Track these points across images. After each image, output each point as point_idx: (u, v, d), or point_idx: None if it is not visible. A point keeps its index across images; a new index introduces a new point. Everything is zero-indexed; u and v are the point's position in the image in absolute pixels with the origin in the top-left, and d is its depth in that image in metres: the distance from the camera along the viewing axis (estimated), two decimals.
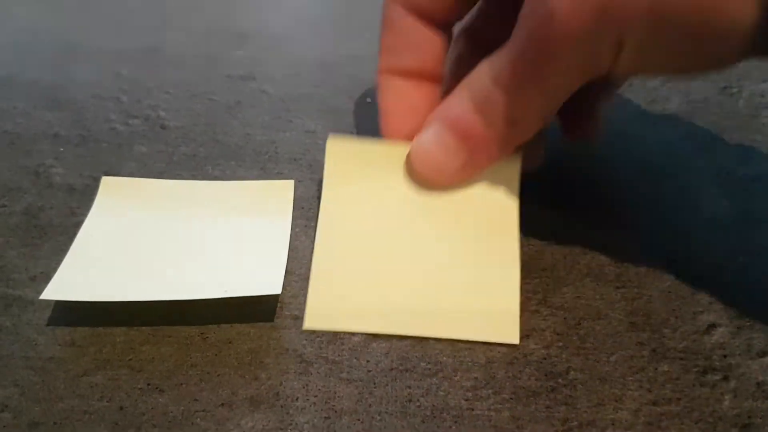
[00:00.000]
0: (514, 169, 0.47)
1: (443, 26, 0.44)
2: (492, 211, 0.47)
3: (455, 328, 0.42)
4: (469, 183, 0.47)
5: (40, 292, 0.41)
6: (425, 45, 0.44)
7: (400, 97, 0.45)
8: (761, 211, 0.50)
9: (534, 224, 0.49)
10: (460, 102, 0.42)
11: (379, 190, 0.48)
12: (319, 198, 0.49)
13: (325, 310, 0.43)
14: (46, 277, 0.42)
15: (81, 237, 0.44)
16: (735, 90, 0.59)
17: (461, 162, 0.44)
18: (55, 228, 0.46)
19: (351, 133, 0.54)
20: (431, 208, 0.47)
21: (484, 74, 0.40)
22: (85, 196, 0.48)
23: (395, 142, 0.47)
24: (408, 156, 0.46)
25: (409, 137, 0.45)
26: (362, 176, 0.48)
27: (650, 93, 0.59)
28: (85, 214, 0.46)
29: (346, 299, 0.43)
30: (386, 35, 0.44)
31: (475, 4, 0.45)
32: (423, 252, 0.46)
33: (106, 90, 0.56)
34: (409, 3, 0.43)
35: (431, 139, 0.43)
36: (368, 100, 0.57)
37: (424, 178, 0.46)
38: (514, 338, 0.42)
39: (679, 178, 0.52)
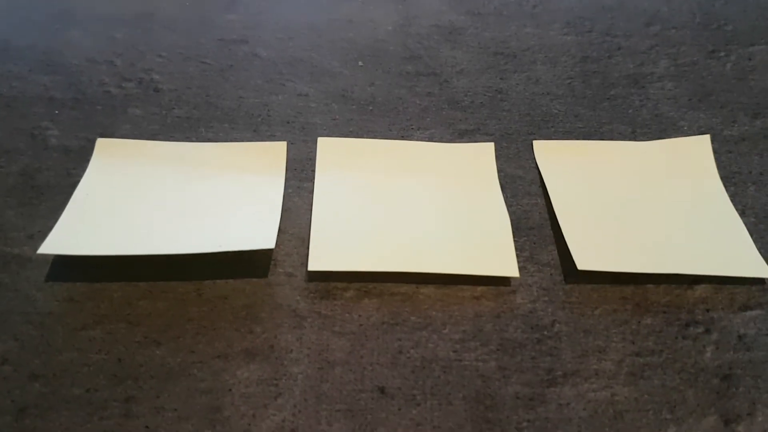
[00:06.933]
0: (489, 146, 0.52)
1: None
2: (475, 173, 0.50)
3: (458, 264, 0.44)
4: (450, 155, 0.52)
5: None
6: None
7: None
8: (746, 171, 0.50)
9: (523, 185, 0.50)
10: None
11: (367, 162, 0.50)
12: (311, 159, 0.50)
13: (328, 253, 0.44)
14: (44, 235, 0.43)
15: (77, 195, 0.45)
16: (723, 54, 0.59)
17: None
18: (52, 188, 0.47)
19: (343, 95, 0.55)
20: (418, 173, 0.50)
21: None
22: (81, 158, 0.48)
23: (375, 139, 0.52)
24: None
25: None
26: (351, 156, 0.50)
27: (639, 56, 0.59)
28: (80, 175, 0.47)
29: (348, 243, 0.44)
30: None
31: None
32: (415, 205, 0.47)
33: (101, 54, 0.56)
34: None
35: None
36: (360, 63, 0.57)
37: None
38: (514, 271, 0.43)
39: (667, 138, 0.53)
